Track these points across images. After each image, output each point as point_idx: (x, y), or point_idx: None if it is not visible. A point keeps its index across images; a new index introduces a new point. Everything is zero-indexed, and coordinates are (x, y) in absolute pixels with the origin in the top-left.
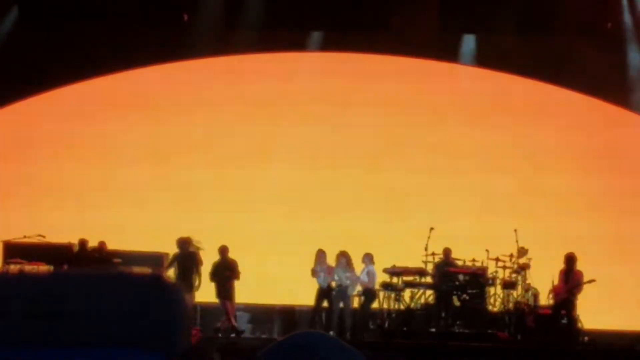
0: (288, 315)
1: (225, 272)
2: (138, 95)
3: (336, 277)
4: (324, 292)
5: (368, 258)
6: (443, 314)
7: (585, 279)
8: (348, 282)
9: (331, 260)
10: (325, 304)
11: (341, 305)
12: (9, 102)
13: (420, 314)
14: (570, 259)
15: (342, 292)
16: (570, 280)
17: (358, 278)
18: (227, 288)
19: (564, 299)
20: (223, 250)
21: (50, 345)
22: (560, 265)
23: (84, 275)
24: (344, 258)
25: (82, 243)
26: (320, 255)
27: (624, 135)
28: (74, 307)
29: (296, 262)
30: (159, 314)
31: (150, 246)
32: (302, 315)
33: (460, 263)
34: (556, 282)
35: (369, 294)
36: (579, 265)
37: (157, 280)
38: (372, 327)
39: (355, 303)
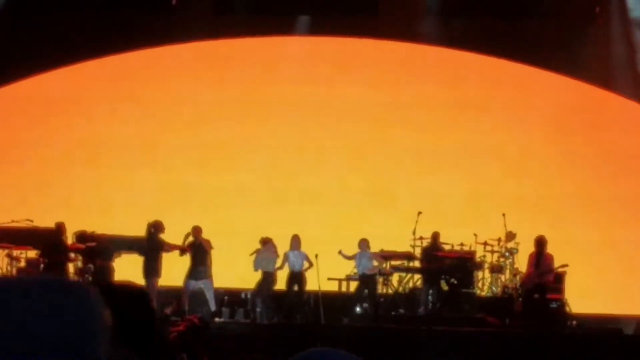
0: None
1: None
2: (124, 79)
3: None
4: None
5: (364, 244)
6: (431, 298)
7: (567, 262)
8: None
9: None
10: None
11: (295, 288)
12: None
13: (408, 298)
14: (540, 242)
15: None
16: (541, 265)
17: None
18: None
19: (535, 284)
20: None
21: None
22: (549, 249)
23: None
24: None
25: (59, 227)
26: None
27: (610, 118)
28: None
29: (283, 248)
30: (71, 319)
31: (137, 229)
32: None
33: (448, 247)
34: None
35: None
36: (568, 250)
37: (65, 284)
38: (359, 311)
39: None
